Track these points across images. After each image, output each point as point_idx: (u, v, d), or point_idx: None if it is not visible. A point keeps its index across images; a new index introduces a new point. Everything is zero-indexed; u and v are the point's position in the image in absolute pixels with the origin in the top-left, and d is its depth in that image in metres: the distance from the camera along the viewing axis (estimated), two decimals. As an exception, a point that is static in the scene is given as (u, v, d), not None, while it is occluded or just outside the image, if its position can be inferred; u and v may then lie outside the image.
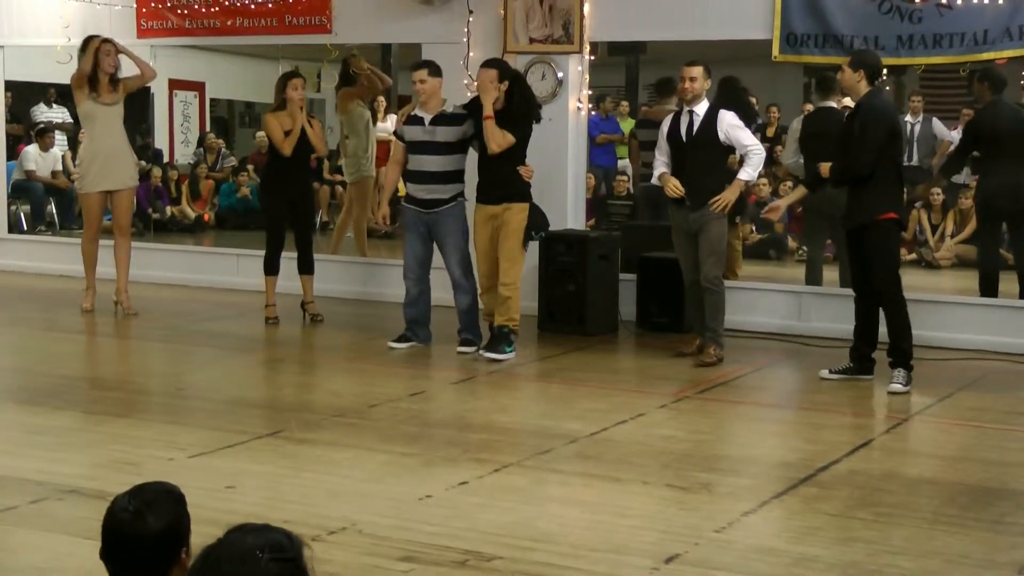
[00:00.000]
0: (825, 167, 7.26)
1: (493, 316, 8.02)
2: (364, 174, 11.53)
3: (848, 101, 9.58)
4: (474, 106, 8.06)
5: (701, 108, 7.72)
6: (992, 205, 9.22)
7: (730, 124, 7.70)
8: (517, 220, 7.91)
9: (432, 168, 7.97)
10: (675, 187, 7.72)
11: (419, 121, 8.02)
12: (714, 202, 7.64)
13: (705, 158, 7.69)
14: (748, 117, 10.36)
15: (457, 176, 8.05)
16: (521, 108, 7.91)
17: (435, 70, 8.08)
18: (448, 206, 8.01)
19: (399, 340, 8.18)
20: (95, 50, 9.18)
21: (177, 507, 2.46)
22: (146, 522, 2.40)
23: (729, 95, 10.11)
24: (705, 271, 7.76)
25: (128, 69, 9.55)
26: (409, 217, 8.12)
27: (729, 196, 7.68)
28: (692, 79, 7.66)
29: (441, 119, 7.99)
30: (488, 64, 8.02)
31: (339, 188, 15.51)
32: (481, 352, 7.87)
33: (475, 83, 8.05)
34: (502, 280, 7.88)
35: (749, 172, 7.77)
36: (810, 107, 11.83)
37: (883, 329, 7.35)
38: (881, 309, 7.20)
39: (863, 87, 7.09)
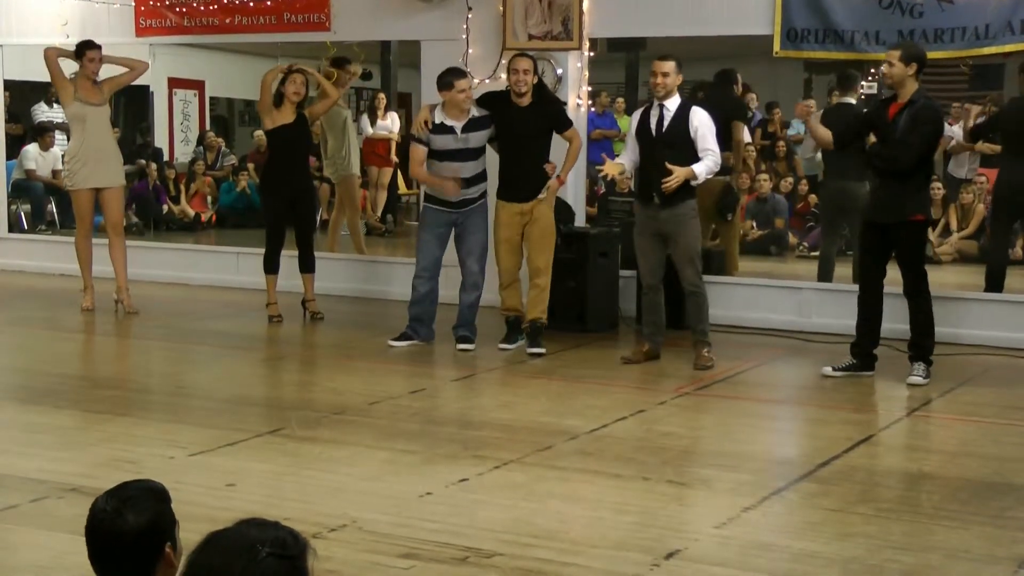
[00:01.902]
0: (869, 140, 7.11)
1: (510, 311, 8.12)
2: (347, 173, 11.52)
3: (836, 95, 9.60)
4: (487, 101, 8.09)
5: (672, 103, 7.54)
6: (1009, 199, 9.14)
7: (702, 122, 7.52)
8: (549, 215, 8.03)
9: (466, 174, 7.97)
10: (613, 168, 7.67)
11: (448, 130, 7.92)
12: (666, 182, 7.36)
13: (675, 155, 7.48)
14: (739, 110, 10.38)
15: (484, 175, 8.11)
16: (558, 101, 8.27)
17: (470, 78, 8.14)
18: (476, 204, 8.07)
19: (399, 338, 8.18)
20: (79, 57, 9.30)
21: (158, 504, 2.44)
22: (125, 519, 2.39)
23: (720, 88, 10.12)
24: (688, 276, 7.64)
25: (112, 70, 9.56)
26: (431, 217, 8.09)
27: (680, 175, 7.37)
28: (665, 74, 7.48)
29: (472, 125, 7.96)
30: (523, 55, 8.12)
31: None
32: (527, 349, 7.99)
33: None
34: (540, 275, 8.01)
35: (702, 170, 7.46)
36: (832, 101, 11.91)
37: (891, 326, 7.37)
38: (908, 305, 7.21)
39: (913, 82, 7.01)
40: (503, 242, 8.05)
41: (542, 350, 7.97)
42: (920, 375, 7.12)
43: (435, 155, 7.99)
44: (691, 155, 7.53)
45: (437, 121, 7.95)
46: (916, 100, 6.98)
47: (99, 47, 9.38)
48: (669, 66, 7.52)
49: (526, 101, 7.93)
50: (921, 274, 7.17)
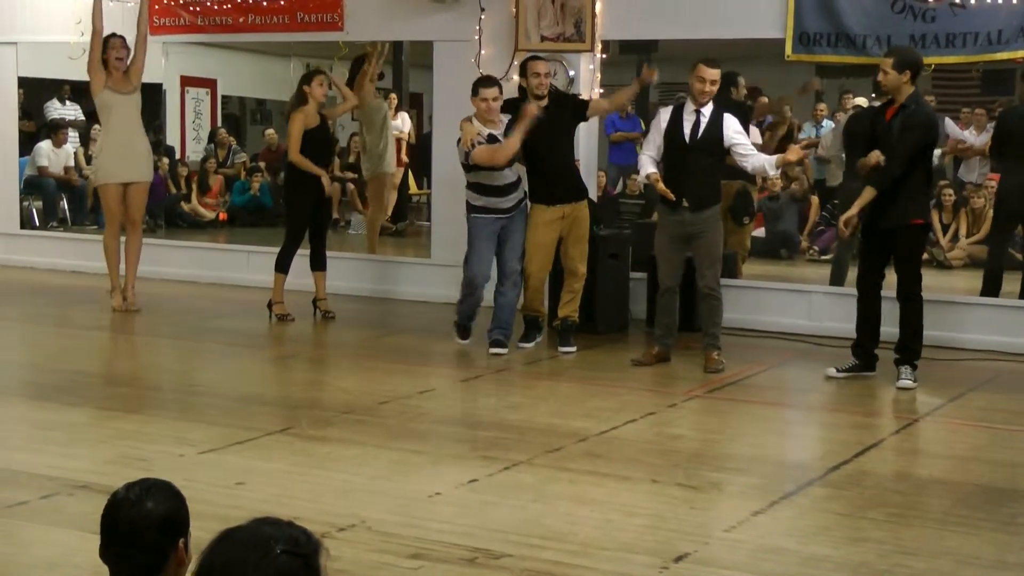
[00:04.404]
0: (874, 158, 7.06)
1: (532, 312, 8.21)
2: (381, 171, 11.49)
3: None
4: (508, 108, 8.11)
5: (708, 109, 7.57)
6: (1009, 204, 9.17)
7: (736, 130, 7.59)
8: (587, 216, 8.15)
9: (512, 179, 8.03)
10: (667, 191, 7.48)
11: (493, 139, 7.89)
12: (790, 156, 7.54)
13: (708, 160, 7.54)
14: (739, 117, 10.40)
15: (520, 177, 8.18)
16: (571, 94, 8.54)
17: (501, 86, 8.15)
18: (523, 205, 8.13)
19: (463, 335, 8.24)
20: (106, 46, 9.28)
21: (176, 500, 2.49)
22: (146, 507, 2.43)
23: (720, 92, 10.11)
24: (707, 279, 7.65)
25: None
26: (485, 226, 8.02)
27: (791, 157, 7.61)
28: (713, 82, 7.49)
29: (507, 131, 7.97)
30: (539, 58, 8.26)
31: (350, 185, 15.54)
32: (560, 348, 8.09)
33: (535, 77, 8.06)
34: (578, 279, 8.15)
35: (750, 164, 7.65)
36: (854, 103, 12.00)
37: (891, 329, 7.37)
38: (900, 308, 7.21)
39: (908, 87, 7.02)
40: (539, 246, 8.06)
41: (573, 348, 8.07)
42: (909, 379, 7.13)
43: (481, 166, 7.92)
44: (721, 160, 7.65)
45: (485, 132, 7.91)
46: (908, 105, 7.03)
47: (121, 36, 9.38)
48: (717, 73, 7.53)
49: (545, 103, 8.01)
50: (917, 278, 7.20)
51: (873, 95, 11.10)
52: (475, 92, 7.96)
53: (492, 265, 8.13)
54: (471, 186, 8.02)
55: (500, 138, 7.88)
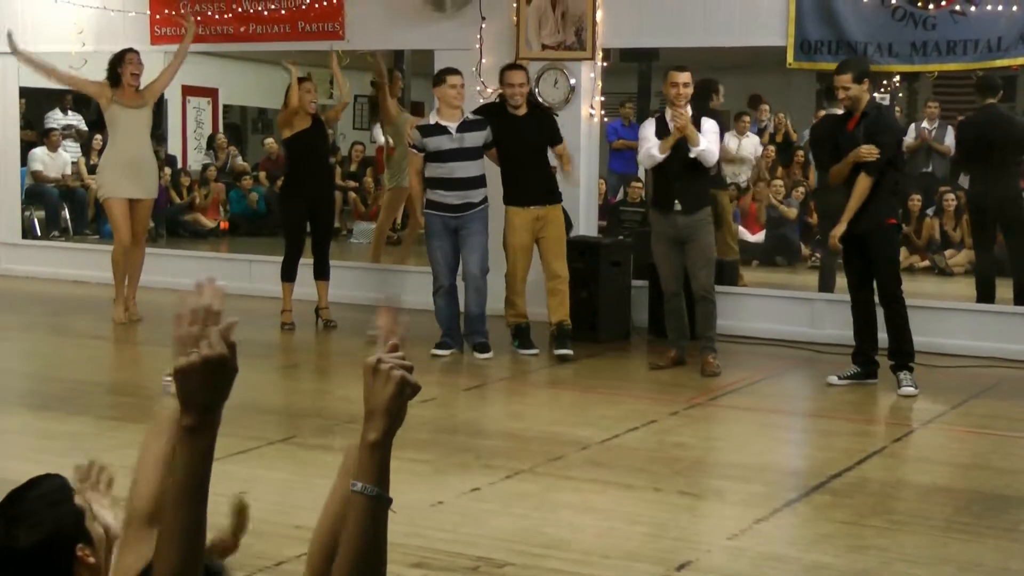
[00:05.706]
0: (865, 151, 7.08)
1: (521, 318, 8.20)
2: (405, 184, 11.49)
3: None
4: (483, 113, 8.17)
5: (686, 113, 7.61)
6: (981, 211, 9.24)
7: (710, 128, 7.66)
8: (561, 218, 8.20)
9: (464, 174, 8.03)
10: (679, 114, 7.43)
11: (442, 130, 8.02)
12: (679, 119, 7.41)
13: (695, 163, 7.58)
14: (719, 121, 10.43)
15: (483, 180, 8.16)
16: (550, 112, 8.50)
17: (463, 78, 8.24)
18: (477, 209, 8.10)
19: (440, 347, 8.17)
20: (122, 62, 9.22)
21: (54, 509, 2.21)
22: (16, 539, 2.16)
23: (697, 100, 10.13)
24: (701, 281, 7.69)
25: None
26: (437, 225, 8.11)
27: (688, 124, 7.45)
28: (685, 85, 7.57)
29: (466, 125, 8.07)
30: (517, 67, 8.31)
31: (351, 194, 15.56)
32: (556, 351, 8.06)
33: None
34: (559, 279, 8.11)
35: (703, 142, 7.49)
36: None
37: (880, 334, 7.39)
38: (884, 312, 7.23)
39: (867, 95, 7.18)
40: (518, 248, 8.09)
41: (570, 352, 8.04)
42: (911, 385, 7.13)
43: (433, 157, 8.05)
44: (703, 164, 7.65)
45: (431, 122, 8.06)
46: (869, 112, 7.15)
47: (137, 51, 9.33)
48: (687, 76, 7.62)
49: (523, 111, 8.12)
50: (896, 278, 7.25)
51: (825, 103, 11.08)
52: (440, 80, 8.09)
53: (453, 265, 8.14)
54: (425, 180, 8.14)
55: (451, 130, 7.98)
